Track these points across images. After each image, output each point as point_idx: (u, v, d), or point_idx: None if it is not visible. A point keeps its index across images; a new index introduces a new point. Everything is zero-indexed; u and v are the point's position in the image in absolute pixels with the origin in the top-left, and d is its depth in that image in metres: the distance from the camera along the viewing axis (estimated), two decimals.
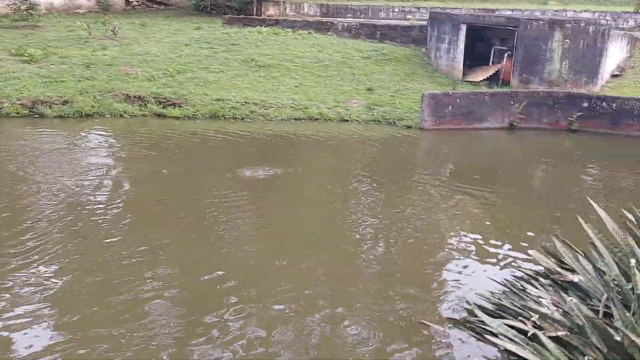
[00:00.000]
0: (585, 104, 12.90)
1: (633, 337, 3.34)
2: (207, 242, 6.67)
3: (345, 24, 20.68)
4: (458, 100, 12.60)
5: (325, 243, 6.81)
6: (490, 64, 16.38)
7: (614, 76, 16.72)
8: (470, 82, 15.71)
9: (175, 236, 6.73)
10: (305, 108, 13.40)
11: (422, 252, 6.66)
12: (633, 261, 3.90)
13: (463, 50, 15.95)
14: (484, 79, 15.66)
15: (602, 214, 4.82)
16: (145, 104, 12.68)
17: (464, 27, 15.80)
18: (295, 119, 13.02)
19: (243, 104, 13.24)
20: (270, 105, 13.36)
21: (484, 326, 4.71)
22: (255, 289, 5.55)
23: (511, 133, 12.92)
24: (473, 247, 6.79)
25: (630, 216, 4.86)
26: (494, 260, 6.43)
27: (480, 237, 7.08)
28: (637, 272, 3.90)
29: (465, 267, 6.29)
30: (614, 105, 12.76)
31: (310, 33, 19.75)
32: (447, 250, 6.72)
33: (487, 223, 7.65)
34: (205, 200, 7.92)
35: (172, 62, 15.46)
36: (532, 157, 11.52)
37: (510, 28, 15.10)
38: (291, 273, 5.95)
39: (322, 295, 5.51)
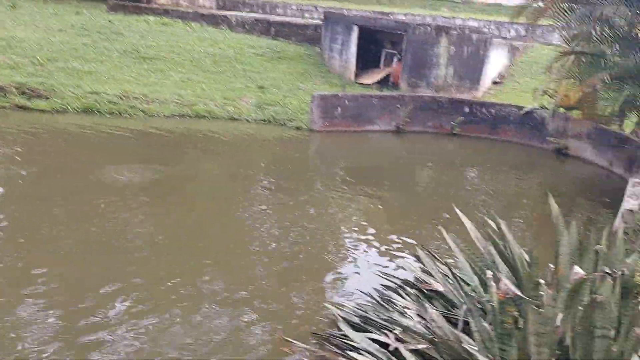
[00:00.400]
0: (467, 109, 13.40)
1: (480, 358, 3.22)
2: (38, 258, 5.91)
3: (240, 19, 20.10)
4: (347, 102, 12.55)
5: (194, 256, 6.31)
6: (382, 67, 16.60)
7: (495, 83, 17.63)
8: (362, 84, 15.81)
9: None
10: (192, 105, 12.72)
11: (299, 264, 6.37)
12: (489, 273, 3.84)
13: (355, 52, 16.01)
14: (375, 82, 15.82)
15: (467, 223, 4.77)
16: (5, 95, 11.34)
17: (356, 29, 15.86)
18: (181, 116, 12.30)
19: (122, 98, 12.28)
20: (153, 100, 12.52)
21: (348, 341, 4.49)
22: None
23: (398, 136, 13.10)
24: (351, 256, 6.62)
25: (492, 224, 4.86)
26: (370, 269, 6.28)
27: (361, 243, 6.93)
28: (492, 283, 3.83)
29: (338, 277, 6.07)
30: (493, 111, 13.36)
31: (202, 26, 18.97)
32: (325, 259, 6.48)
33: (371, 230, 7.51)
34: (69, 205, 7.10)
35: (42, 49, 14.04)
36: (418, 160, 11.73)
37: (400, 32, 15.37)
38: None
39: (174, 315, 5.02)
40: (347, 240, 7.05)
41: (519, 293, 3.62)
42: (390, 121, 13.11)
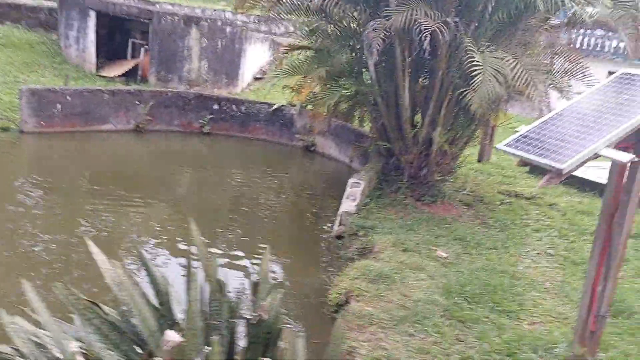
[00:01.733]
0: (216, 107, 12.55)
1: None
2: None
3: None
4: (69, 97, 10.70)
5: None
6: (130, 58, 14.90)
7: (257, 79, 17.17)
8: (105, 77, 13.94)
9: None
10: None
11: None
12: (72, 345, 2.78)
13: (95, 41, 14.03)
14: (120, 75, 14.08)
15: (100, 258, 3.67)
16: None
17: (93, 15, 13.88)
18: None
19: None
20: None
21: None
22: None
23: (139, 136, 11.68)
24: None
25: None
26: None
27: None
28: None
29: None
30: (243, 108, 12.74)
31: None
32: None
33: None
34: None
35: None
36: (161, 164, 10.47)
37: (145, 20, 13.87)
38: None
39: None
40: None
41: None
42: (128, 120, 11.60)
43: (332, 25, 8.65)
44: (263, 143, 12.68)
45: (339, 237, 7.23)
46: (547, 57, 8.47)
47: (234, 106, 12.69)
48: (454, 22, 6.66)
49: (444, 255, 6.38)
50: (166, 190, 8.98)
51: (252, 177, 10.35)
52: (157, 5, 14.86)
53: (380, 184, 8.62)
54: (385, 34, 6.69)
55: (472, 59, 6.32)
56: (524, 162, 10.02)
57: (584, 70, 8.10)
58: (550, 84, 7.46)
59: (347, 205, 7.54)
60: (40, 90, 10.43)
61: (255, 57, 16.79)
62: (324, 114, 9.94)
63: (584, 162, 3.25)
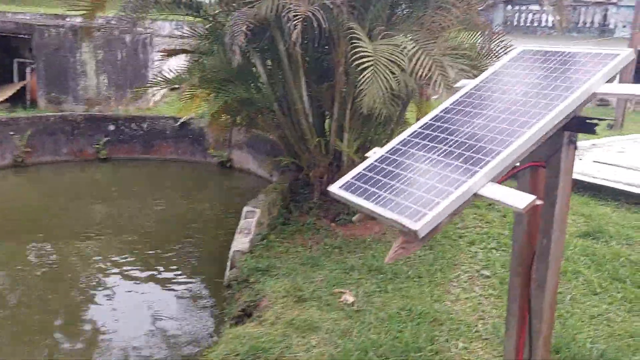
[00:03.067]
0: (112, 127, 10.99)
1: None
2: None
3: None
4: None
5: None
6: (16, 80, 13.11)
7: (173, 89, 15.55)
8: None
9: None
10: None
11: None
12: None
13: None
14: (3, 101, 12.29)
15: None
16: None
17: None
18: None
19: None
20: None
21: None
22: None
23: (19, 172, 10.01)
24: None
25: None
26: None
27: None
28: None
29: None
30: (145, 125, 11.21)
31: None
32: None
33: None
34: None
35: None
36: (49, 201, 8.85)
37: (24, 36, 12.12)
38: None
39: None
40: None
41: None
42: (2, 154, 9.90)
43: (207, 23, 7.24)
44: (172, 163, 11.17)
45: (230, 285, 5.81)
46: (468, 38, 7.26)
47: (134, 125, 11.14)
48: (337, 5, 5.30)
49: (350, 299, 5.03)
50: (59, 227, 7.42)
51: (154, 206, 8.86)
52: (38, 17, 13.10)
53: (288, 206, 7.24)
54: (253, 27, 5.30)
55: (359, 49, 4.98)
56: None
57: (508, 50, 6.89)
58: (463, 70, 6.18)
59: (240, 242, 6.12)
60: None
61: (169, 65, 15.16)
62: (224, 126, 8.54)
63: (457, 211, 1.92)
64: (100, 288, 6.32)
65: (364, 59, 4.94)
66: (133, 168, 10.78)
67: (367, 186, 2.14)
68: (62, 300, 6.01)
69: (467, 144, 2.11)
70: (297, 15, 4.86)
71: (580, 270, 5.65)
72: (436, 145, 2.17)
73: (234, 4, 5.93)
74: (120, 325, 5.54)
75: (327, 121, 7.56)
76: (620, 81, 14.14)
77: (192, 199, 9.42)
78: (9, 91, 12.51)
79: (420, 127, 2.33)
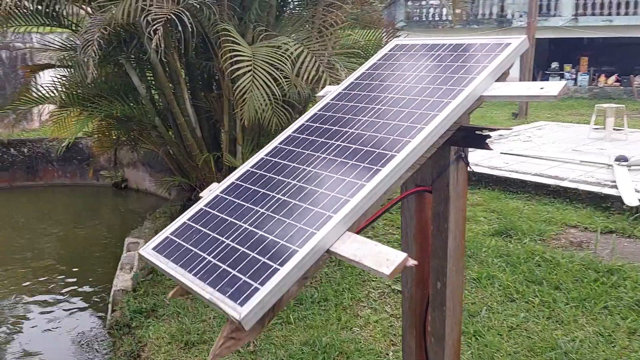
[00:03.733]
0: None
1: None
2: None
3: None
4: None
5: None
6: None
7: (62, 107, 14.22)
8: None
9: None
10: None
11: None
12: None
13: None
14: None
15: None
16: None
17: None
18: None
19: None
20: None
21: None
22: None
23: None
24: None
25: None
26: None
27: None
28: None
29: None
30: (26, 150, 9.97)
31: None
32: None
33: None
34: None
35: None
36: None
37: None
38: None
39: None
40: None
41: None
42: None
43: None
44: (61, 188, 10.02)
45: (110, 332, 5.00)
46: (364, 36, 6.84)
47: (12, 150, 9.89)
48: (208, 6, 4.64)
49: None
50: None
51: (37, 237, 7.78)
52: None
53: None
54: (117, 34, 4.54)
55: (235, 53, 4.35)
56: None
57: None
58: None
59: (121, 279, 5.31)
60: None
61: (43, 81, 13.81)
62: (107, 145, 7.66)
63: (306, 276, 1.36)
64: None
65: (241, 64, 4.31)
66: (13, 198, 9.55)
67: (188, 245, 1.52)
68: None
69: (315, 180, 1.55)
70: (157, 19, 4.15)
71: (495, 274, 5.33)
72: (268, 192, 1.60)
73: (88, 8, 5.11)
74: None
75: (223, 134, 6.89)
76: (521, 69, 14.44)
77: (83, 225, 8.41)
78: None
79: (252, 167, 1.76)
